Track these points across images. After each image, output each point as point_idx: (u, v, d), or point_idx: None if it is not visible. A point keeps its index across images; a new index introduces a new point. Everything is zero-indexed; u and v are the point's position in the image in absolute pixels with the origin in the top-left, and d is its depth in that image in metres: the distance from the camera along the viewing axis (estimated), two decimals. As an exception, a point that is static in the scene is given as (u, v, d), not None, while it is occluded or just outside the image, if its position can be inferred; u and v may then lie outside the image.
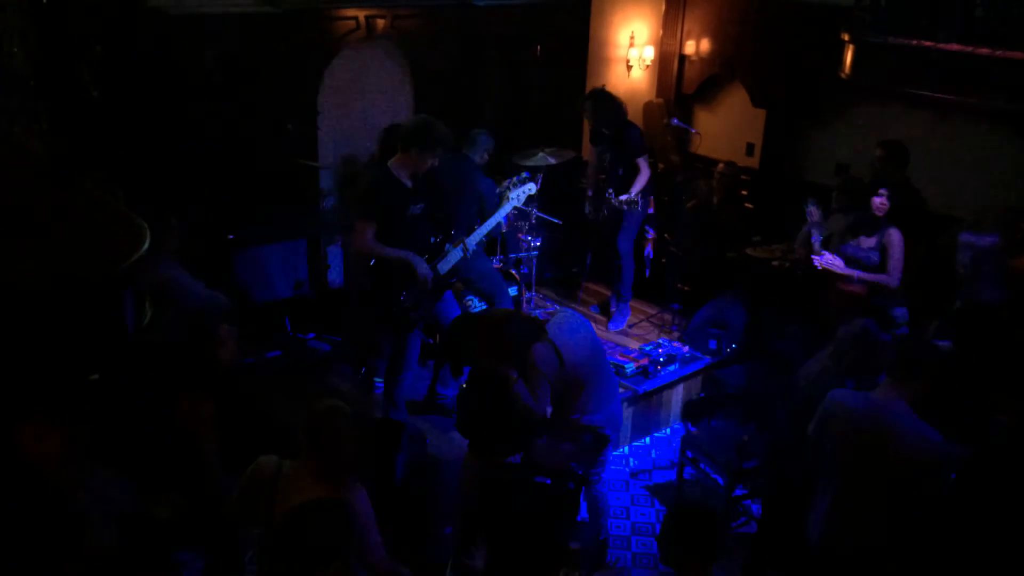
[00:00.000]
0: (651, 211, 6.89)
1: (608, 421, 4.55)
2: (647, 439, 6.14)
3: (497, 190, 5.76)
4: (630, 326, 6.84)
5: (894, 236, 5.27)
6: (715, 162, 7.19)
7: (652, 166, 6.62)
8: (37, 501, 2.75)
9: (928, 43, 5.64)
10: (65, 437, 3.03)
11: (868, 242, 5.36)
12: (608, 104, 6.28)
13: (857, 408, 3.58)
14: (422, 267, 4.86)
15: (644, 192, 6.52)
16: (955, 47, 5.56)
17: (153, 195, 5.50)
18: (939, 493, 3.54)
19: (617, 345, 6.48)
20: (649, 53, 7.93)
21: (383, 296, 4.93)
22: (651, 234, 7.02)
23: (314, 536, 2.75)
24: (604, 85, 7.02)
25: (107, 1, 2.99)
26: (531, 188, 5.59)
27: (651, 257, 7.07)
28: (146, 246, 2.74)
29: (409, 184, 4.83)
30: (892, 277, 5.27)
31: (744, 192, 7.25)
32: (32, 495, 2.77)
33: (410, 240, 4.89)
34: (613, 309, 6.89)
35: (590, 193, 6.55)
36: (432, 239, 5.04)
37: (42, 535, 2.73)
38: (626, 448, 6.01)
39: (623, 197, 6.17)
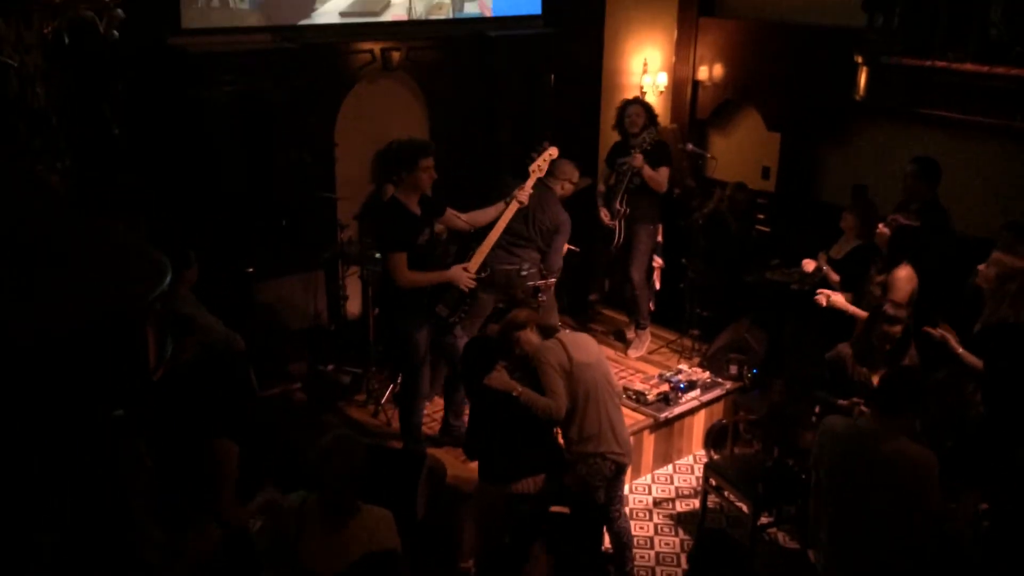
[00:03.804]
0: (660, 240, 6.89)
1: (624, 448, 4.54)
2: (669, 467, 6.08)
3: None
4: (650, 352, 6.81)
5: (899, 272, 5.16)
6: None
7: (668, 192, 6.64)
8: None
9: (942, 64, 5.63)
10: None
11: (878, 278, 5.32)
12: (651, 110, 6.54)
13: (849, 435, 3.54)
14: (459, 277, 5.03)
15: (652, 220, 6.53)
16: (970, 67, 5.54)
17: (173, 230, 5.55)
18: (936, 510, 3.47)
19: (637, 371, 6.44)
20: (663, 79, 7.96)
21: (422, 314, 5.03)
22: (658, 263, 6.98)
23: None
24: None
25: (129, 40, 3.04)
26: (552, 153, 5.50)
27: (657, 289, 7.04)
28: (167, 281, 2.75)
29: (417, 211, 4.92)
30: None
31: (761, 216, 7.23)
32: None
33: (427, 264, 5.01)
34: (632, 336, 6.87)
35: (608, 218, 6.55)
36: (443, 255, 5.16)
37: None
38: (648, 477, 5.96)
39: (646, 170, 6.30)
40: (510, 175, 5.89)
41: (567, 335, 4.56)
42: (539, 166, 5.37)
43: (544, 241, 5.78)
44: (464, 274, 5.04)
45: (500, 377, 4.28)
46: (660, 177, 6.41)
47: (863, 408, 4.44)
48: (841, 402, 4.57)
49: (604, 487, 4.51)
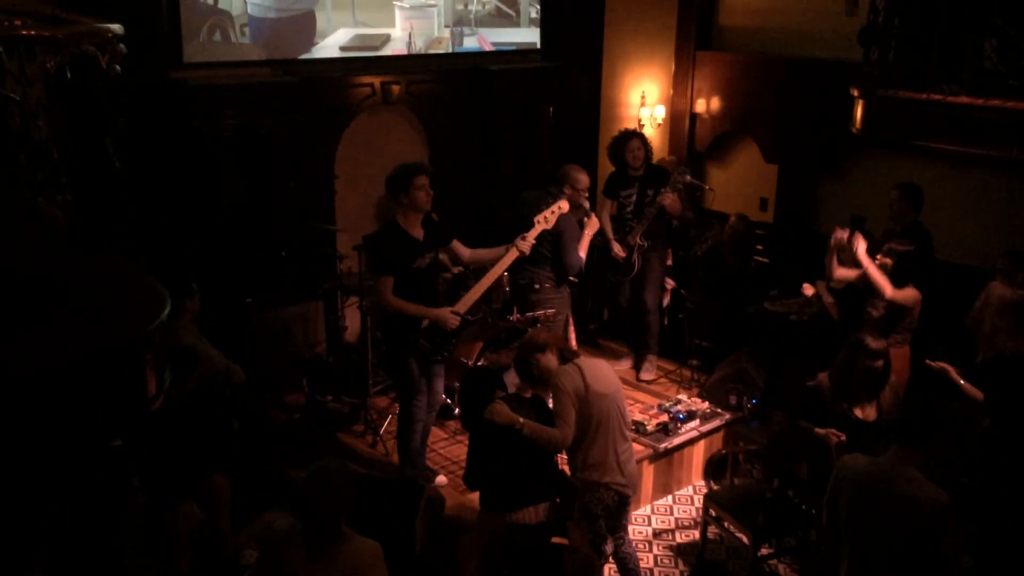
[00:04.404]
0: (669, 263, 6.99)
1: (629, 480, 4.52)
2: (669, 498, 6.05)
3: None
4: (649, 382, 6.81)
5: (908, 291, 5.23)
6: (729, 217, 7.22)
7: (667, 223, 6.69)
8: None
9: (937, 96, 5.68)
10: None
11: (881, 304, 5.33)
12: (648, 142, 6.65)
13: (867, 473, 3.50)
14: (445, 318, 4.97)
15: (665, 247, 6.63)
16: (964, 100, 5.59)
17: (174, 261, 5.59)
18: (948, 553, 3.42)
19: (636, 402, 6.43)
20: (660, 112, 8.03)
21: (403, 341, 5.02)
22: (670, 284, 7.09)
23: None
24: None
25: (131, 75, 3.08)
26: (562, 207, 5.51)
27: (667, 306, 7.14)
28: (166, 312, 2.76)
29: (419, 235, 4.96)
30: (887, 291, 5.18)
31: (759, 247, 7.27)
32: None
33: (419, 291, 4.99)
34: (641, 361, 6.92)
35: (623, 253, 6.58)
36: (441, 284, 5.19)
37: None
38: (648, 507, 5.92)
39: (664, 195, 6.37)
40: (549, 189, 5.88)
41: (586, 361, 4.51)
42: (545, 217, 5.39)
43: (549, 249, 5.78)
44: (451, 316, 4.99)
45: (501, 410, 4.26)
46: (679, 205, 6.55)
47: (842, 438, 4.41)
48: (818, 431, 4.54)
49: (605, 516, 4.49)
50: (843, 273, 5.43)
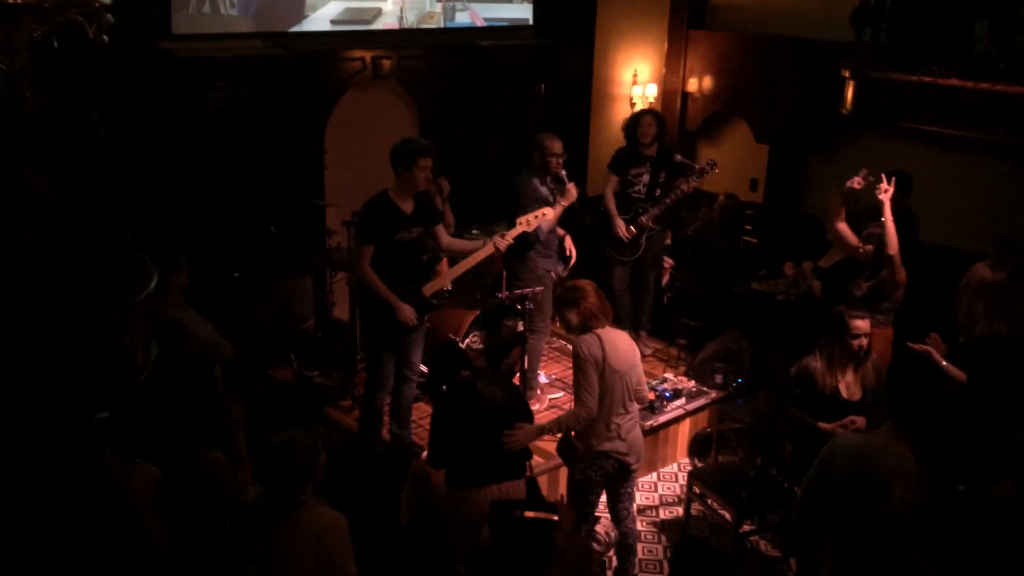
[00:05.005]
0: (668, 242, 7.09)
1: (631, 448, 4.55)
2: (654, 475, 6.11)
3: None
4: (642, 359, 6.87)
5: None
6: (718, 197, 7.24)
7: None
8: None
9: (928, 79, 5.69)
10: None
11: (865, 284, 5.36)
12: (663, 121, 6.63)
13: (858, 448, 3.55)
14: (404, 314, 4.98)
15: (666, 227, 6.78)
16: (954, 82, 5.61)
17: (162, 234, 5.57)
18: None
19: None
20: (652, 91, 8.02)
21: (372, 313, 5.07)
22: (668, 263, 7.14)
23: None
24: (609, 122, 7.13)
25: (119, 44, 3.06)
26: (545, 213, 5.51)
27: (667, 284, 7.20)
28: (152, 285, 2.77)
29: (408, 209, 4.96)
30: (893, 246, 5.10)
31: (748, 227, 7.29)
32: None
33: (398, 264, 5.01)
34: (637, 339, 6.98)
35: (628, 233, 6.59)
36: (423, 261, 5.19)
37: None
38: (633, 484, 5.98)
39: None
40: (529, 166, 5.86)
41: (608, 332, 4.45)
42: (528, 220, 5.38)
43: (514, 214, 5.68)
44: (411, 318, 5.00)
45: (525, 432, 4.24)
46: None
47: (851, 421, 4.45)
48: (823, 425, 4.57)
49: (605, 483, 4.54)
50: (845, 228, 5.42)
